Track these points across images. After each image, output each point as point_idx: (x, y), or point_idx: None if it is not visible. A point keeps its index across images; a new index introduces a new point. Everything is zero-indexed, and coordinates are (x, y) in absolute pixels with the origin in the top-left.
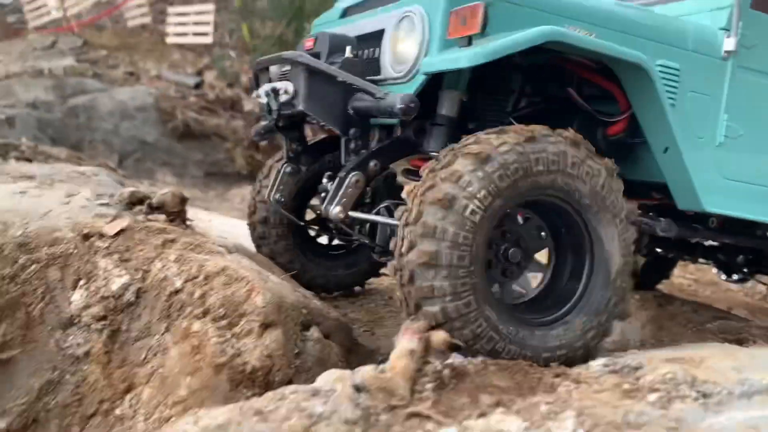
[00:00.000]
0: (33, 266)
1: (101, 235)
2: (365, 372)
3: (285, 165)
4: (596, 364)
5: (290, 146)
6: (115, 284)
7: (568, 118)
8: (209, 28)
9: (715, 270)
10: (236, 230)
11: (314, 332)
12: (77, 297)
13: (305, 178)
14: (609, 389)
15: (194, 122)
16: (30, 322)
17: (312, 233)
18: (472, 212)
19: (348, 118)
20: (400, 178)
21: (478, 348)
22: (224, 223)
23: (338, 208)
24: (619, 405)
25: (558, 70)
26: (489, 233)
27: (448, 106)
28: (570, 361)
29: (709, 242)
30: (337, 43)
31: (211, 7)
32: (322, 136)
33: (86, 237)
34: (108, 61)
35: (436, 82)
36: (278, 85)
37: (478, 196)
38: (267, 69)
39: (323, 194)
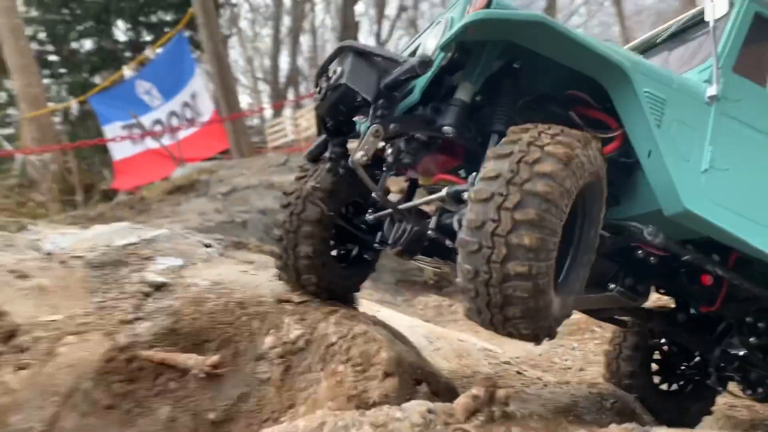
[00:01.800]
0: (244, 317)
1: (289, 301)
2: (438, 404)
3: (325, 164)
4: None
5: (332, 149)
6: (293, 334)
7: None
8: None
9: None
10: (395, 320)
11: (424, 387)
12: (268, 341)
13: (340, 189)
14: None
15: None
16: (237, 353)
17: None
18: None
19: (379, 91)
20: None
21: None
22: (389, 316)
23: (360, 153)
24: None
25: (560, 98)
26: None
27: (463, 92)
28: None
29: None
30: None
31: None
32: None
33: (279, 301)
34: None
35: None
36: (330, 66)
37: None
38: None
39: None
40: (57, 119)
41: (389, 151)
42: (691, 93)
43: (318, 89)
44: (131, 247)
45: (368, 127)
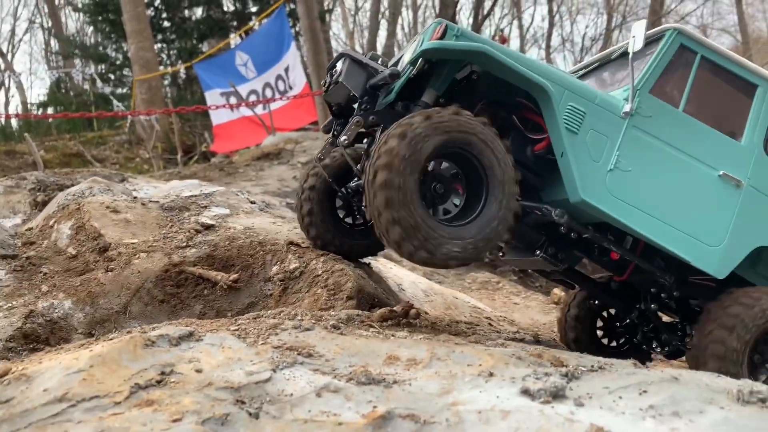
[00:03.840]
0: (260, 252)
1: (296, 245)
2: (364, 312)
3: (329, 138)
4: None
5: (334, 128)
6: (292, 266)
7: (506, 133)
8: None
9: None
10: (399, 276)
11: (377, 310)
12: (274, 269)
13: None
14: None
15: None
16: (252, 275)
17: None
18: (423, 138)
19: (365, 90)
20: None
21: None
22: (400, 273)
23: (344, 137)
24: None
25: (510, 104)
26: (427, 158)
27: (427, 96)
28: (476, 248)
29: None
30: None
31: None
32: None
33: (289, 244)
34: None
35: (424, 82)
36: (336, 65)
37: (421, 133)
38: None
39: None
40: (166, 82)
41: (366, 139)
42: (609, 108)
43: (325, 82)
44: (194, 198)
45: (352, 118)
